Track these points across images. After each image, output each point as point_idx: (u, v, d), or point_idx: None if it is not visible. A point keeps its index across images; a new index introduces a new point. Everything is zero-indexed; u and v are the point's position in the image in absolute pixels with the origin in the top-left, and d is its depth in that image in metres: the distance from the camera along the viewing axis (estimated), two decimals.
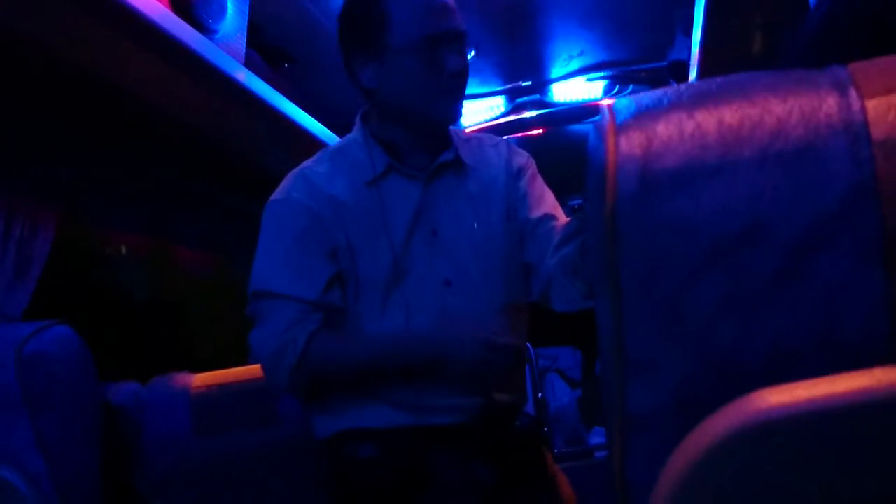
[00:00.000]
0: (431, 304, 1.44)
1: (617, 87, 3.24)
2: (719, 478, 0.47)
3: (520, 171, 1.59)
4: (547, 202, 1.57)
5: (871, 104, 0.48)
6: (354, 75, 1.48)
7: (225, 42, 2.06)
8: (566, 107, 3.28)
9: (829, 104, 0.48)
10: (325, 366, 1.41)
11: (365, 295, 1.45)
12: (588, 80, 3.17)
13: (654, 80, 3.20)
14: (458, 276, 1.47)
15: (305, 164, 1.54)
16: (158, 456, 1.90)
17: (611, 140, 0.52)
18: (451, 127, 1.57)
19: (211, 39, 1.97)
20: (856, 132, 0.47)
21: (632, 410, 0.52)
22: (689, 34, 2.60)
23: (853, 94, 0.48)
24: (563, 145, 3.51)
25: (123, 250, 2.87)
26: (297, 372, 1.40)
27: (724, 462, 0.46)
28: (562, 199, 1.66)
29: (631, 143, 0.51)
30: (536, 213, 1.54)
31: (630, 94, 3.31)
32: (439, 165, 1.52)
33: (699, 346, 0.50)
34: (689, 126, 0.51)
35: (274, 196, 1.49)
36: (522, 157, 1.61)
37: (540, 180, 1.61)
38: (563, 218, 1.54)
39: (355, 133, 1.55)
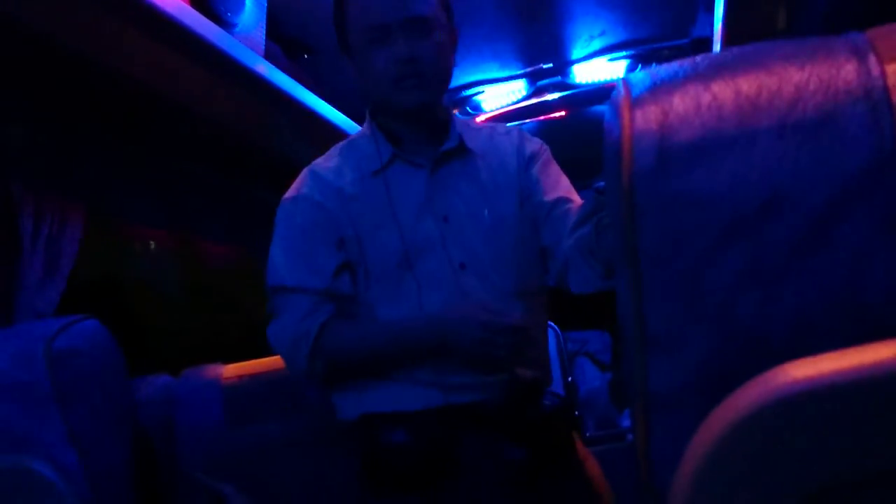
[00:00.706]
0: (446, 287, 1.46)
1: (640, 66, 3.20)
2: (745, 454, 0.46)
3: (532, 157, 1.59)
4: (562, 186, 1.57)
5: (892, 69, 0.46)
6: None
7: (244, 35, 2.07)
8: (588, 88, 3.24)
9: (848, 70, 0.47)
10: (339, 354, 1.45)
11: (376, 282, 1.47)
12: (610, 59, 3.13)
13: (677, 58, 3.15)
14: (472, 259, 1.49)
15: (316, 161, 1.57)
16: (191, 448, 1.92)
17: (626, 115, 0.51)
18: (462, 116, 1.58)
19: (230, 33, 1.98)
20: (876, 98, 0.46)
21: (655, 388, 0.51)
22: (710, 10, 2.56)
23: (872, 59, 0.47)
24: (587, 127, 3.48)
25: (152, 245, 2.90)
26: (313, 362, 1.44)
27: (750, 438, 0.46)
28: (587, 181, 1.65)
29: (647, 117, 0.51)
30: (551, 197, 1.54)
31: None
32: (444, 154, 1.53)
33: (721, 321, 0.49)
34: (705, 98, 0.50)
35: (285, 195, 1.54)
36: (535, 144, 1.61)
37: (555, 166, 1.61)
38: (578, 201, 1.54)
39: (364, 127, 1.59)
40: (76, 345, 1.18)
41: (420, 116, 1.50)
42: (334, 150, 1.58)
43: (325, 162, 1.56)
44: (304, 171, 1.55)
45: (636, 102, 0.52)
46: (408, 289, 1.46)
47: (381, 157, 1.52)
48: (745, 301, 0.49)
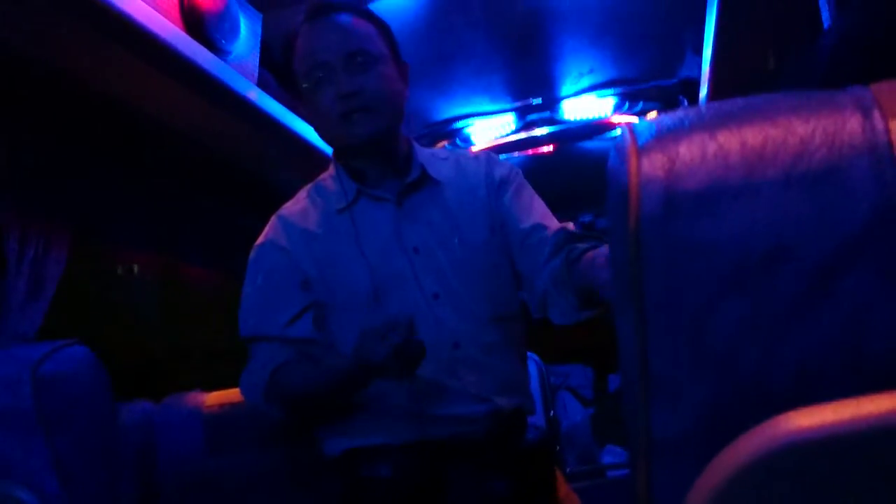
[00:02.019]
0: (420, 319, 1.44)
1: (627, 104, 3.24)
2: (747, 501, 0.46)
3: (503, 183, 1.59)
4: (536, 211, 1.57)
5: (895, 125, 0.48)
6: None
7: (238, 62, 2.08)
8: (577, 124, 3.28)
9: (853, 125, 0.48)
10: (287, 397, 1.48)
11: (347, 321, 1.48)
12: (598, 97, 3.17)
13: (665, 98, 3.20)
14: (445, 289, 1.50)
15: (284, 205, 1.60)
16: (171, 475, 1.89)
17: (633, 162, 0.52)
18: (451, 148, 1.60)
19: (224, 60, 1.98)
20: (880, 153, 0.47)
21: (657, 433, 0.52)
22: (699, 52, 2.60)
23: (877, 114, 0.48)
24: (574, 162, 3.52)
25: (136, 269, 2.88)
26: (270, 405, 1.48)
27: (752, 486, 0.46)
28: (572, 214, 1.67)
29: (653, 165, 0.51)
30: (526, 224, 1.54)
31: (640, 111, 3.32)
32: (408, 185, 1.55)
33: (723, 368, 0.50)
34: (711, 147, 0.51)
35: (256, 242, 1.57)
36: (504, 168, 1.62)
37: (528, 190, 1.61)
38: (553, 226, 1.54)
39: (330, 168, 1.62)
40: (63, 370, 1.17)
41: (376, 149, 1.51)
42: (302, 193, 1.61)
43: (293, 206, 1.59)
44: (273, 218, 1.58)
45: (643, 150, 0.52)
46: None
47: (347, 195, 1.53)
48: (747, 349, 0.49)
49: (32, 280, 1.92)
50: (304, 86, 1.50)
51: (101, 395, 1.24)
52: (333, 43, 1.47)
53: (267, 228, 1.57)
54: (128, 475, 1.71)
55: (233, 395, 2.05)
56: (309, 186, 1.62)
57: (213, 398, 2.02)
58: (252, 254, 1.56)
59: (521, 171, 1.63)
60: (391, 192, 1.54)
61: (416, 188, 1.56)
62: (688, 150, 0.51)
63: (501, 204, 1.57)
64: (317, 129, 1.55)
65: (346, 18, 1.50)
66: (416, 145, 1.62)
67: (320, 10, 1.52)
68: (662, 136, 0.53)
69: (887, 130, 0.48)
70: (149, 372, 2.58)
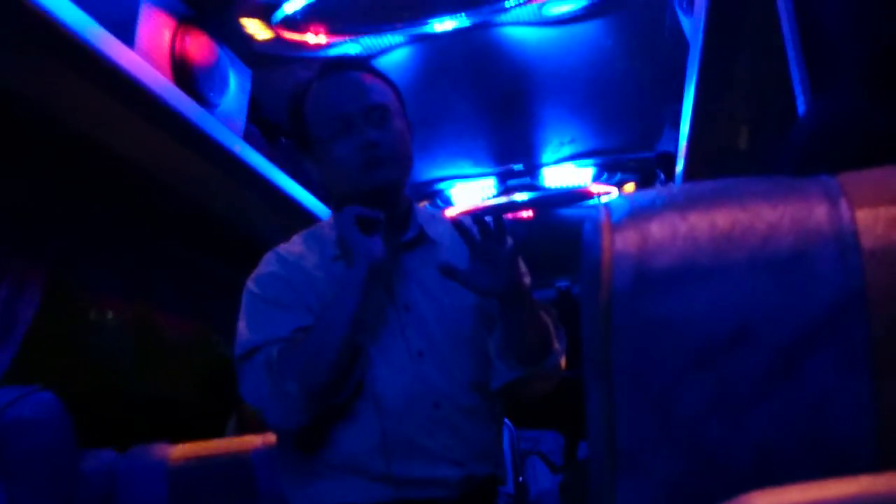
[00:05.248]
0: (403, 375, 1.47)
1: (605, 174, 3.31)
2: None
3: None
4: None
5: (861, 214, 0.49)
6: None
7: (225, 116, 2.10)
8: (556, 191, 3.33)
9: (820, 213, 0.50)
10: (302, 362, 1.42)
11: None
12: (578, 166, 3.23)
13: (642, 170, 3.27)
14: (429, 347, 1.51)
15: (280, 245, 1.61)
16: None
17: (606, 237, 0.53)
18: (431, 208, 1.62)
19: (212, 113, 2.01)
20: (846, 241, 0.49)
21: None
22: (676, 127, 2.67)
23: (843, 204, 0.50)
24: (553, 228, 3.56)
25: (109, 315, 2.85)
26: (285, 386, 1.41)
27: None
28: (549, 280, 1.69)
29: (626, 241, 0.53)
30: None
31: (618, 181, 3.38)
32: (404, 243, 1.57)
33: (689, 444, 0.50)
34: (682, 227, 0.53)
35: (251, 275, 1.57)
36: None
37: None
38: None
39: (328, 218, 1.65)
40: (28, 416, 1.15)
41: (384, 201, 1.53)
42: (297, 238, 1.62)
43: (289, 246, 1.60)
44: (269, 254, 1.58)
45: (616, 226, 0.54)
46: (363, 375, 1.46)
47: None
48: (712, 427, 0.50)
49: (2, 321, 1.90)
50: (319, 137, 1.53)
51: (65, 444, 1.22)
52: (353, 96, 1.52)
53: (262, 263, 1.57)
54: None
55: (199, 448, 2.02)
56: (303, 232, 1.64)
57: (180, 451, 1.98)
58: (249, 284, 1.55)
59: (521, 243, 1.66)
60: (388, 247, 1.54)
61: (412, 246, 1.58)
62: (659, 229, 0.53)
63: None
64: (324, 182, 1.59)
65: (360, 75, 1.57)
66: (415, 205, 1.65)
67: (335, 66, 1.59)
68: (636, 214, 0.54)
69: (853, 220, 0.49)
70: (115, 420, 2.54)
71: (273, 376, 1.42)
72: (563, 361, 1.56)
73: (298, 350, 1.43)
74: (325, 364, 1.41)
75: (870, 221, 0.49)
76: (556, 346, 1.55)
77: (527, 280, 1.54)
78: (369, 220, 1.45)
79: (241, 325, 1.52)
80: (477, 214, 1.57)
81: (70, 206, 2.09)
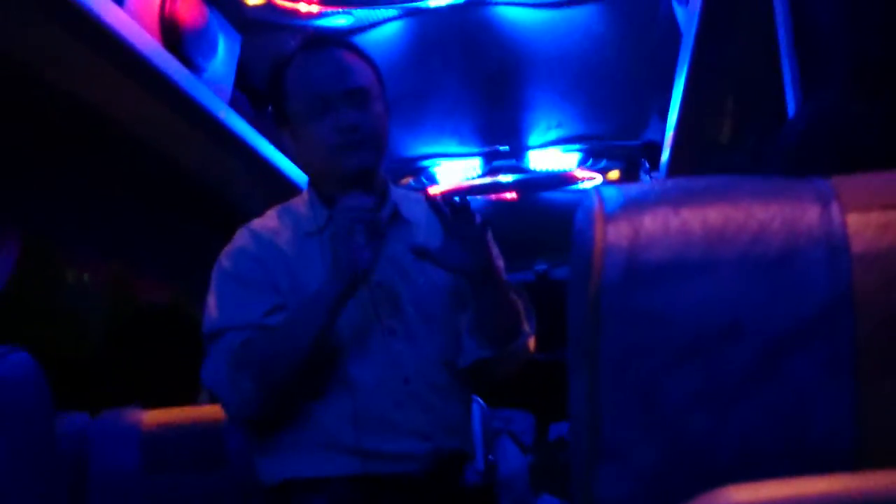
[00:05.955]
0: (375, 352, 1.49)
1: (591, 160, 3.31)
2: None
3: None
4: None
5: (852, 218, 0.50)
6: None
7: (212, 80, 2.08)
8: (541, 174, 3.33)
9: (811, 215, 0.51)
10: (260, 359, 1.43)
11: None
12: (564, 150, 3.23)
13: (627, 158, 3.28)
14: (401, 325, 1.52)
15: (253, 220, 1.61)
16: (104, 492, 1.85)
17: (599, 227, 0.54)
18: (416, 185, 1.63)
19: (199, 77, 1.98)
20: (836, 244, 0.49)
21: (601, 492, 0.53)
22: (664, 117, 2.68)
23: (835, 207, 0.51)
24: (536, 212, 3.56)
25: (86, 277, 2.83)
26: (240, 378, 1.42)
27: None
28: (528, 262, 1.70)
29: (618, 233, 0.53)
30: None
31: (603, 168, 3.39)
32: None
33: (672, 435, 0.51)
34: (674, 222, 0.53)
35: (223, 250, 1.57)
36: None
37: (494, 249, 1.64)
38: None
39: (303, 193, 1.64)
40: (3, 376, 1.14)
41: (359, 182, 1.53)
42: (271, 212, 1.62)
43: (263, 221, 1.60)
44: (241, 229, 1.59)
45: (609, 217, 0.54)
46: (334, 353, 1.48)
47: (317, 220, 1.55)
48: (695, 420, 0.51)
49: None
50: (298, 113, 1.53)
51: (41, 406, 1.21)
52: (333, 77, 1.52)
53: (235, 238, 1.57)
54: (59, 489, 1.66)
55: (171, 414, 2.02)
56: (278, 207, 1.64)
57: (152, 417, 1.98)
58: (221, 259, 1.55)
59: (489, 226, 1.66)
60: (376, 254, 1.55)
61: (386, 224, 1.57)
62: (652, 223, 0.53)
63: None
64: (300, 157, 1.59)
65: (343, 54, 1.56)
66: (391, 185, 1.65)
67: (318, 42, 1.59)
68: (629, 206, 0.55)
69: (844, 223, 0.50)
70: (88, 383, 2.53)
71: (230, 368, 1.43)
72: (531, 344, 1.59)
73: (257, 351, 1.44)
74: (281, 370, 1.43)
75: (860, 225, 0.50)
76: (526, 328, 1.58)
77: (499, 263, 1.55)
78: (367, 221, 1.42)
79: (210, 302, 1.52)
80: (448, 194, 1.58)
81: (50, 165, 2.07)
